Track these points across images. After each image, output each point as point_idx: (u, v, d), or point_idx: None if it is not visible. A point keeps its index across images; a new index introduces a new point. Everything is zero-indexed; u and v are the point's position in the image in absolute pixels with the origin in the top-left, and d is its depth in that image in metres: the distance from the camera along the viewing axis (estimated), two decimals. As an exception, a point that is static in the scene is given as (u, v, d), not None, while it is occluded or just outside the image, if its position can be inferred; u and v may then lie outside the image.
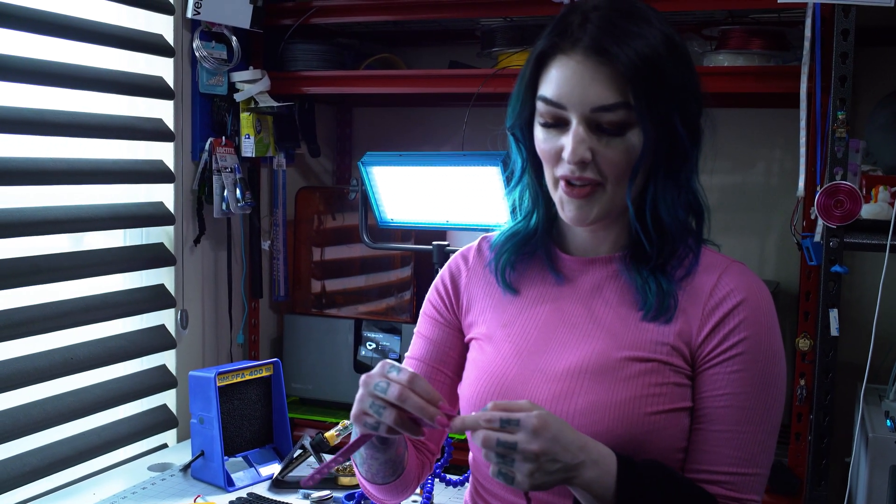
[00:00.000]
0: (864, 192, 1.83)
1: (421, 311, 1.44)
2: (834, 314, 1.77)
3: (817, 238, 1.85)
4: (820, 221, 1.79)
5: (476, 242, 1.43)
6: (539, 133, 1.23)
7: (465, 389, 1.32)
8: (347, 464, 1.93)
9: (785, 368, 1.23)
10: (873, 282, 1.78)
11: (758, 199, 2.52)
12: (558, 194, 1.23)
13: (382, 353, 2.47)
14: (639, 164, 1.19)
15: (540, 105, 1.21)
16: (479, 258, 1.40)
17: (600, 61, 1.15)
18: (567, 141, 1.18)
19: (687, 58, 1.22)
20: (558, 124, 1.20)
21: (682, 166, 1.22)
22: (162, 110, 2.28)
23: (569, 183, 1.20)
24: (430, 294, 1.43)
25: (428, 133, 2.87)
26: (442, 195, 2.21)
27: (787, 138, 2.40)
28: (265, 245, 2.60)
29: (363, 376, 1.15)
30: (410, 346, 1.43)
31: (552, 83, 1.19)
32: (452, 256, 1.44)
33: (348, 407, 1.29)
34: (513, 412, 1.06)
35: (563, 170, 1.20)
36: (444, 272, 1.43)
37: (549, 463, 1.06)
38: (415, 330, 1.44)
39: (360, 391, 1.14)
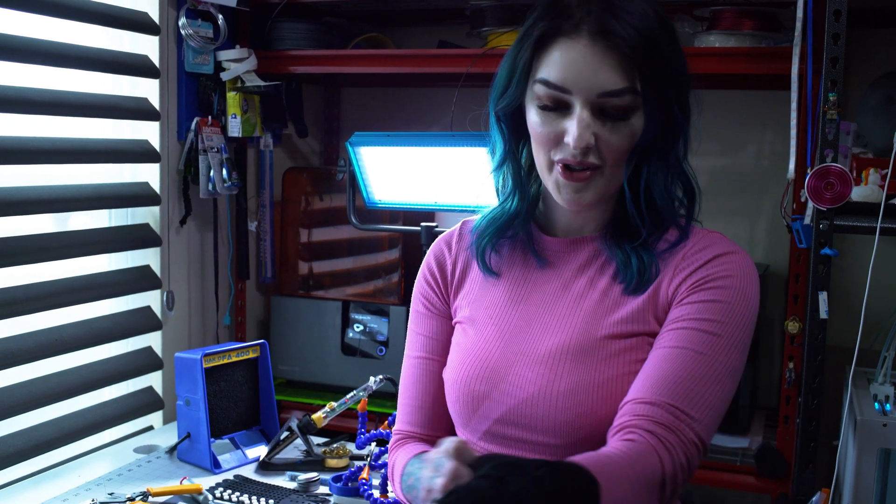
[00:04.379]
0: (855, 174, 1.82)
1: (412, 309, 1.42)
2: (823, 297, 1.76)
3: (807, 220, 1.84)
4: (810, 204, 1.78)
5: (457, 227, 1.42)
6: (536, 116, 1.21)
7: (450, 373, 1.31)
8: (336, 445, 1.92)
9: (753, 324, 1.19)
10: (863, 265, 1.77)
11: (748, 182, 2.51)
12: (553, 177, 1.22)
13: (370, 335, 2.46)
14: (637, 146, 1.19)
15: (539, 88, 1.19)
16: (460, 242, 1.39)
17: (608, 45, 1.14)
18: (571, 126, 1.17)
19: (676, 36, 1.22)
20: (558, 108, 1.18)
21: (674, 146, 1.22)
22: (147, 89, 2.25)
23: (567, 168, 1.20)
24: (419, 286, 1.41)
25: (416, 113, 2.85)
26: (430, 176, 2.20)
27: (777, 120, 2.38)
28: (252, 226, 2.58)
29: None
30: (410, 345, 1.41)
31: (555, 67, 1.17)
32: (433, 244, 1.43)
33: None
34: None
35: (564, 154, 1.19)
36: (428, 261, 1.41)
37: None
38: (409, 328, 1.42)
39: None
